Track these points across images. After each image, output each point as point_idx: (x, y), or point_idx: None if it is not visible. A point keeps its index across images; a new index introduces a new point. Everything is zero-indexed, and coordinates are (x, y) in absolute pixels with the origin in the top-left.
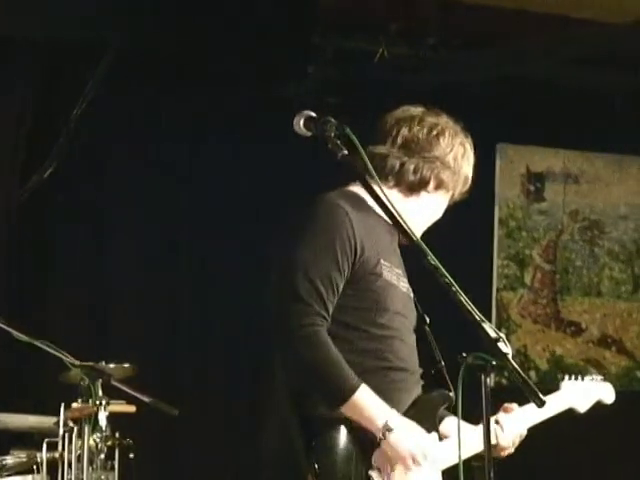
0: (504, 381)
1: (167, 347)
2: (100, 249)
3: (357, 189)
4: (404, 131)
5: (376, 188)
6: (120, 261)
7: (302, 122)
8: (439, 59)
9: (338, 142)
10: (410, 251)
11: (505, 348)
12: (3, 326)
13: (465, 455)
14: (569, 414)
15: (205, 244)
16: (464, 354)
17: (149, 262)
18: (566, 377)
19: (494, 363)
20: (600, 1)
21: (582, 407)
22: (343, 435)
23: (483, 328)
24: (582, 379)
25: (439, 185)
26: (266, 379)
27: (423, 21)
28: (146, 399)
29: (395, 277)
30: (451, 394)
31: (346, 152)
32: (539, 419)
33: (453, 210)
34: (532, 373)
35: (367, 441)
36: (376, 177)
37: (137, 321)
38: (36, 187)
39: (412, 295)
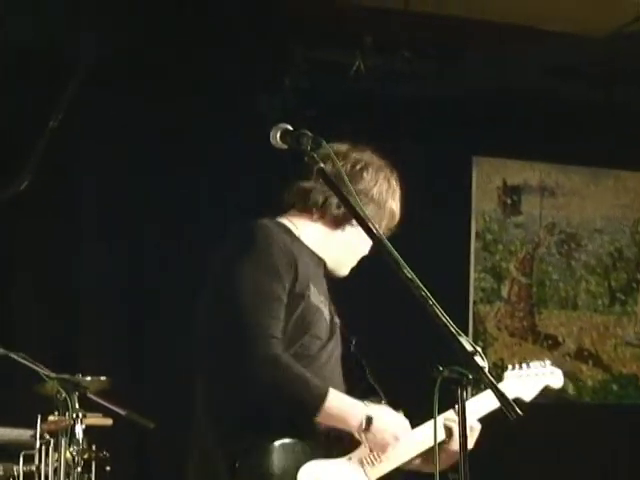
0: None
1: (140, 359)
2: (70, 262)
3: (284, 221)
4: (328, 166)
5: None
6: (93, 273)
7: (279, 135)
8: (414, 71)
9: (314, 155)
10: (383, 264)
11: (481, 362)
12: None
13: (407, 456)
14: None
15: (178, 259)
16: (440, 367)
17: (122, 273)
18: (509, 367)
19: (470, 377)
20: (572, 14)
21: (527, 396)
22: (268, 454)
23: (459, 341)
24: (528, 366)
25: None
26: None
27: (398, 33)
28: (122, 412)
29: (321, 303)
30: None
31: (322, 165)
32: (485, 411)
33: (430, 223)
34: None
35: (291, 459)
36: (353, 191)
37: (110, 333)
38: (11, 198)
39: (337, 321)
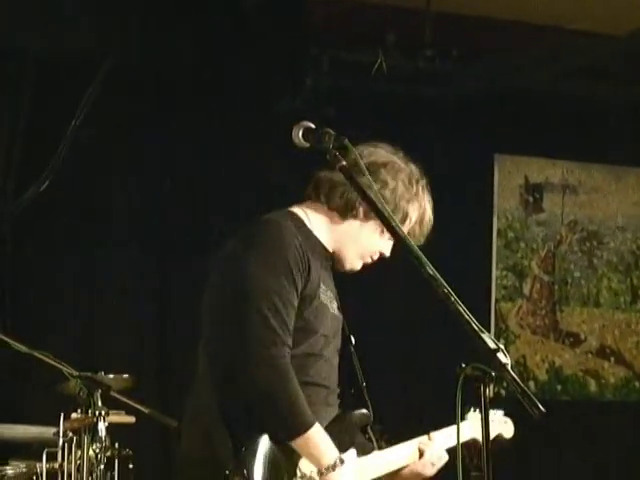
0: (503, 392)
1: (164, 358)
2: (93, 263)
3: (297, 210)
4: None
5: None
6: (117, 274)
7: (301, 133)
8: (437, 71)
9: (336, 154)
10: (406, 262)
11: (504, 359)
12: (2, 337)
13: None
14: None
15: (204, 257)
16: (463, 365)
17: (144, 271)
18: (472, 409)
19: (493, 374)
20: (595, 13)
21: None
22: (270, 444)
23: (482, 339)
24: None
25: (368, 214)
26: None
27: (421, 33)
28: (145, 410)
29: (328, 299)
30: (369, 414)
31: (344, 163)
32: (446, 445)
33: (452, 221)
34: (531, 384)
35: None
36: (375, 188)
37: (135, 332)
38: (32, 199)
39: (341, 317)
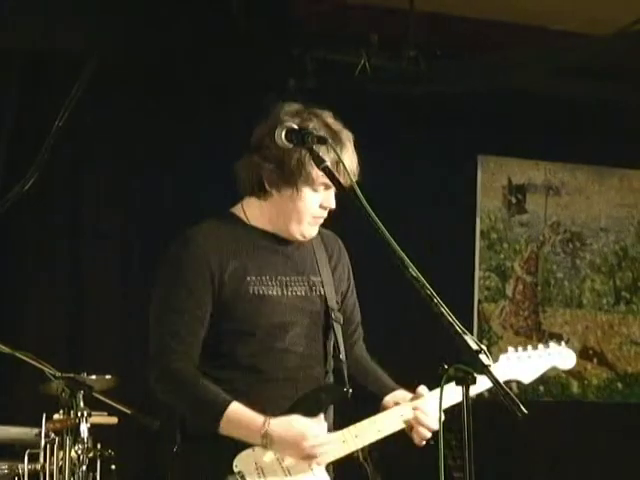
0: (485, 393)
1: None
2: (78, 260)
3: (235, 209)
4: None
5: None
6: (98, 272)
7: (284, 134)
8: (420, 71)
9: (319, 154)
10: (388, 263)
11: (486, 360)
12: None
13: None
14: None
15: None
16: (445, 365)
17: (128, 272)
18: (510, 348)
19: (475, 375)
20: (579, 13)
21: (526, 378)
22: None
23: (464, 340)
24: (535, 348)
25: (277, 184)
26: None
27: (404, 33)
28: (127, 411)
29: (273, 287)
30: (344, 389)
31: (327, 163)
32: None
33: (435, 221)
34: (513, 385)
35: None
36: (357, 187)
37: (116, 332)
38: (16, 199)
39: (317, 293)
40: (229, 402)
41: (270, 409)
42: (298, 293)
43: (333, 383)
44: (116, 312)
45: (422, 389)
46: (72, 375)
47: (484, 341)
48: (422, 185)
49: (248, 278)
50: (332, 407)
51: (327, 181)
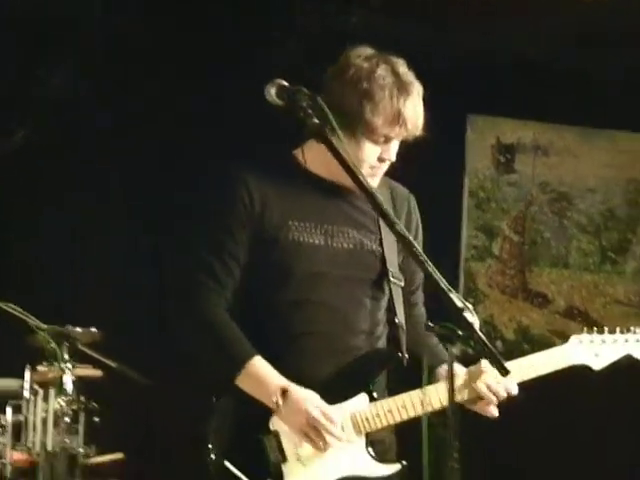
0: (470, 351)
1: (134, 314)
2: (64, 213)
3: (297, 151)
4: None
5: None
6: (84, 228)
7: (274, 91)
8: (409, 32)
9: (309, 111)
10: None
11: (471, 318)
12: None
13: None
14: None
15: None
16: (430, 324)
17: (114, 228)
18: (585, 329)
19: (460, 333)
20: None
21: (596, 364)
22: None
23: (450, 297)
24: (613, 332)
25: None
26: None
27: None
28: (112, 364)
29: (318, 236)
30: (398, 355)
31: (317, 121)
32: (532, 375)
33: (423, 180)
34: (498, 343)
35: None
36: (346, 146)
37: (106, 288)
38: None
39: (370, 249)
40: (253, 355)
41: (300, 366)
42: (344, 245)
43: (385, 348)
44: (106, 265)
45: (485, 363)
46: (57, 327)
47: (470, 299)
48: (410, 143)
49: (290, 223)
50: (384, 374)
51: (389, 132)
